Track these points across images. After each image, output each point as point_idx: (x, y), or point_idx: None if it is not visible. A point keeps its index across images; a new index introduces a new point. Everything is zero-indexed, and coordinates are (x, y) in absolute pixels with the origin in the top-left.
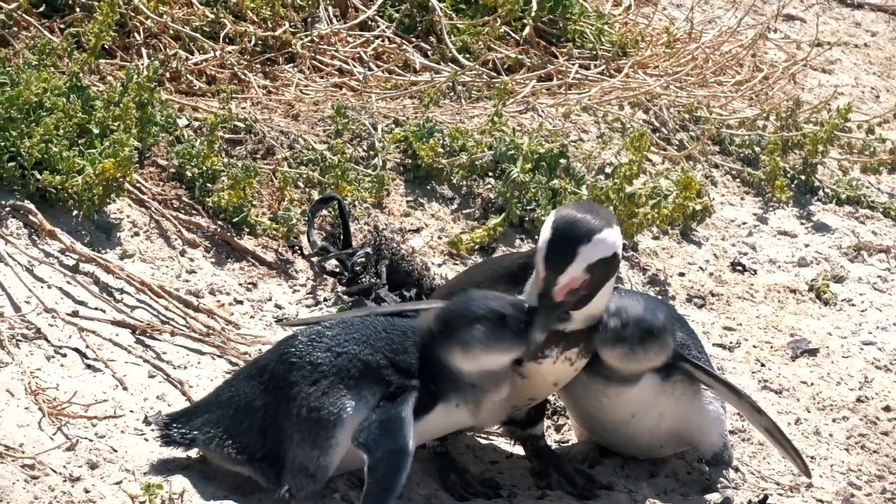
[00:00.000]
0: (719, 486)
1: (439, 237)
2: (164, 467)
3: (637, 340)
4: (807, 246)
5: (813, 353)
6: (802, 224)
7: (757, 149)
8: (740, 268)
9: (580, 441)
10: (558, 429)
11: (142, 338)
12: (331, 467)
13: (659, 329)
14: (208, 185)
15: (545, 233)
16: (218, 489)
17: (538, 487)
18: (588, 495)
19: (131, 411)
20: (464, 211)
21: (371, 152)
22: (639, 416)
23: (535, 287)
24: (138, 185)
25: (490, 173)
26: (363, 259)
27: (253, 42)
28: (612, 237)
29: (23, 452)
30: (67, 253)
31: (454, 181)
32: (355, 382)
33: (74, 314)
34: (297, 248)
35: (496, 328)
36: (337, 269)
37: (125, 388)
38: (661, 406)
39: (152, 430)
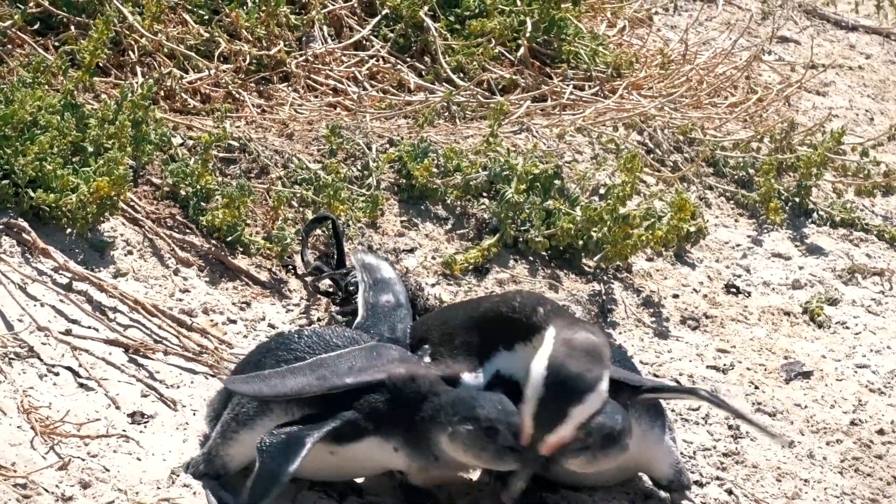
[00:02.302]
0: None
1: (433, 257)
2: (156, 486)
3: (599, 448)
4: (801, 268)
5: (807, 375)
6: (796, 246)
7: (751, 171)
8: (734, 290)
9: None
10: None
11: (135, 356)
12: (228, 461)
13: (619, 432)
14: (202, 203)
15: (534, 386)
16: None
17: None
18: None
19: (123, 431)
20: (458, 231)
21: (365, 172)
22: None
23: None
24: (132, 203)
25: (484, 194)
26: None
27: (247, 61)
28: (604, 386)
29: (15, 471)
30: (61, 271)
31: (448, 201)
32: None
33: (67, 333)
34: (290, 267)
35: (483, 438)
36: (331, 289)
37: (118, 407)
38: None
39: None
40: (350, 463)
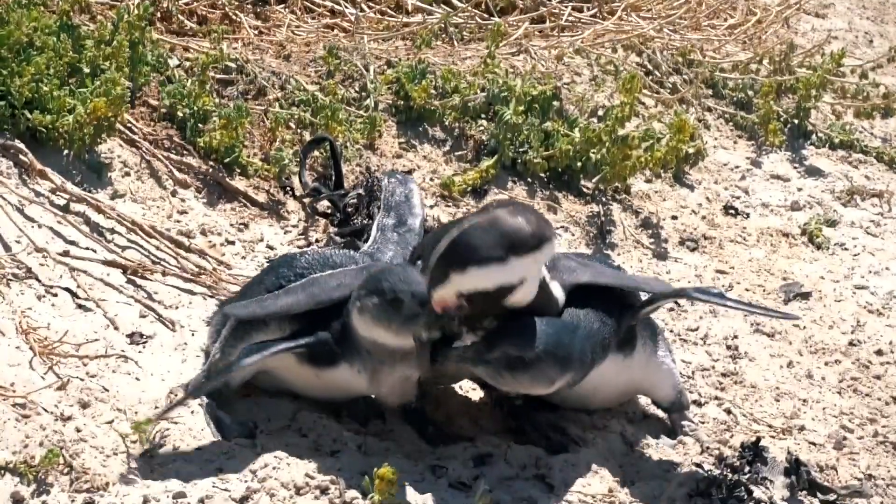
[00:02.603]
0: (685, 429)
1: (431, 179)
2: (155, 406)
3: (504, 367)
4: (800, 190)
5: (805, 296)
6: (795, 168)
7: (750, 92)
8: (733, 211)
9: None
10: None
11: (133, 278)
12: (227, 379)
13: (527, 362)
14: (199, 125)
15: (438, 248)
16: (202, 425)
17: (518, 443)
18: (559, 449)
19: (122, 351)
20: (456, 153)
21: (363, 93)
22: (599, 390)
23: None
24: (129, 125)
25: (482, 115)
26: (355, 200)
27: None
28: (500, 272)
29: (14, 391)
30: (58, 192)
31: (446, 123)
32: None
33: (65, 254)
34: (288, 188)
35: (388, 308)
36: (329, 211)
37: (116, 328)
38: (621, 378)
39: None
40: (335, 387)
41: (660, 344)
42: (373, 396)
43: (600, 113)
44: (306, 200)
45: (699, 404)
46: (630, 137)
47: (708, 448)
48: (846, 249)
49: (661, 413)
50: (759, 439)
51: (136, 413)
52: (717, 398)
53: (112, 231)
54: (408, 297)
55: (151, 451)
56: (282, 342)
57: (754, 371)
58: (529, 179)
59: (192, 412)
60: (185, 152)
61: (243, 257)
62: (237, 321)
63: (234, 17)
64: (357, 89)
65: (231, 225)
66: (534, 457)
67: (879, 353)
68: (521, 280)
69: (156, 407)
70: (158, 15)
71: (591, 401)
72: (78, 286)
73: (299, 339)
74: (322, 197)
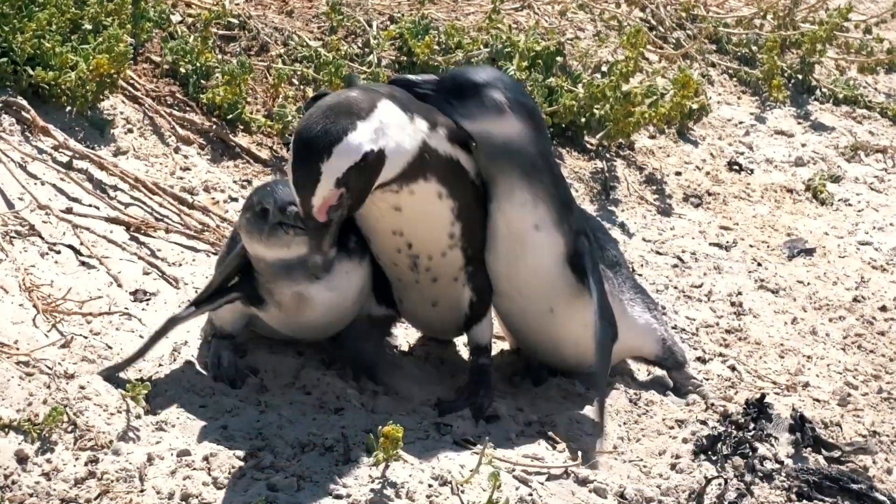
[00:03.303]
0: (689, 386)
1: None
2: (158, 363)
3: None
4: (804, 146)
5: (809, 252)
6: (800, 124)
7: (754, 48)
8: (737, 167)
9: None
10: None
11: (136, 235)
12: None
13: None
14: (202, 81)
15: (289, 154)
16: (206, 383)
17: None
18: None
19: (126, 308)
20: None
21: (366, 49)
22: (557, 314)
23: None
24: (132, 81)
25: None
26: None
27: None
28: (356, 139)
29: (17, 349)
30: (61, 149)
31: None
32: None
33: (68, 211)
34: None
35: (256, 220)
36: None
37: (120, 285)
38: (582, 312)
39: None
40: (281, 326)
41: (636, 300)
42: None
43: (604, 69)
44: None
45: (703, 361)
46: (634, 93)
47: (713, 405)
48: (850, 205)
49: (664, 374)
50: (763, 396)
51: (139, 370)
52: (721, 355)
53: (115, 188)
54: (272, 205)
55: (155, 409)
56: (225, 293)
57: (758, 327)
58: None
59: (196, 372)
60: (187, 109)
61: None
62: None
63: None
64: (360, 45)
65: (234, 181)
66: (540, 414)
67: (884, 308)
68: (378, 146)
69: (160, 365)
70: None
71: (563, 345)
72: (81, 243)
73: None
74: None
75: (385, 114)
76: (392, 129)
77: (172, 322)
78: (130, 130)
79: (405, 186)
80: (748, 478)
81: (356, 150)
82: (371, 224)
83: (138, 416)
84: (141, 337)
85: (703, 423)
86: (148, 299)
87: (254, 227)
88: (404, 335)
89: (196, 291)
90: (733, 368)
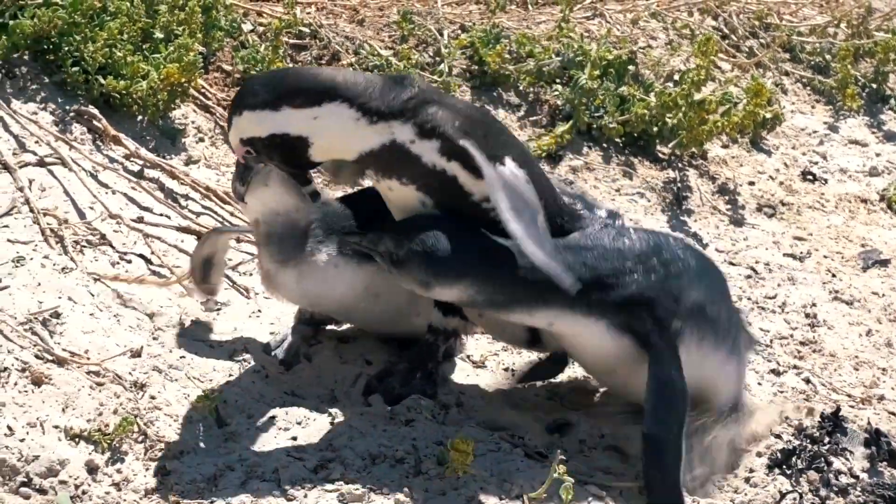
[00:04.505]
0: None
1: None
2: (228, 374)
3: (387, 259)
4: (878, 155)
5: (884, 263)
6: (873, 133)
7: (828, 56)
8: (811, 177)
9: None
10: None
11: None
12: None
13: (401, 257)
14: None
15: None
16: (275, 396)
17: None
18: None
19: (196, 318)
20: (531, 118)
21: (437, 58)
22: (620, 374)
23: None
24: (203, 90)
25: (557, 80)
26: None
27: None
28: (271, 120)
29: (88, 359)
30: (132, 158)
31: (521, 88)
32: None
33: (139, 220)
34: None
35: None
36: None
37: (190, 295)
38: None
39: None
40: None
41: (720, 348)
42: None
43: (676, 77)
44: None
45: (777, 373)
46: (706, 102)
47: (787, 418)
48: None
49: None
50: (838, 409)
51: (210, 381)
52: (795, 367)
53: (186, 197)
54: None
55: (225, 420)
56: None
57: (833, 339)
58: (605, 144)
59: (266, 377)
60: None
61: None
62: None
63: None
64: (431, 54)
65: None
66: (611, 427)
67: None
68: (302, 134)
69: (230, 375)
70: None
71: (592, 370)
72: (152, 252)
73: None
74: None
75: (328, 112)
76: (330, 128)
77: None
78: (202, 139)
79: (382, 180)
80: (823, 492)
81: (264, 127)
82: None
83: (208, 427)
84: (211, 347)
85: (778, 436)
86: (218, 309)
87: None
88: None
89: (266, 301)
90: (808, 381)
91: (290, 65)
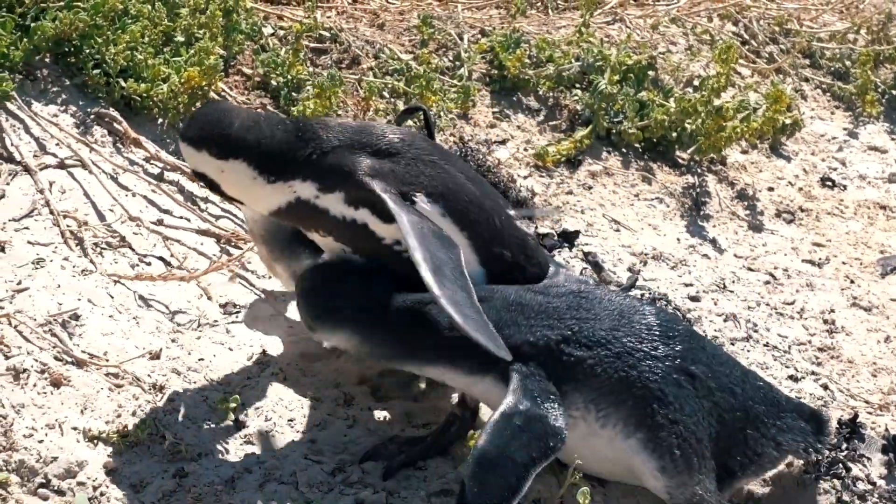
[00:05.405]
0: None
1: (525, 149)
2: (247, 376)
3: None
4: None
5: None
6: (893, 139)
7: (848, 62)
8: (830, 183)
9: None
10: None
11: (226, 247)
12: None
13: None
14: (293, 94)
15: None
16: (294, 397)
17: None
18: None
19: (215, 321)
20: (550, 123)
21: (457, 63)
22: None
23: None
24: (223, 93)
25: (577, 85)
26: None
27: None
28: (191, 155)
29: (107, 361)
30: (152, 161)
31: (540, 92)
32: None
33: (159, 223)
34: None
35: None
36: None
37: (209, 298)
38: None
39: None
40: None
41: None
42: None
43: (696, 83)
44: None
45: (795, 379)
46: (726, 108)
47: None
48: None
49: None
50: (856, 415)
51: (229, 383)
52: (813, 373)
53: (206, 200)
54: None
55: (244, 422)
56: None
57: (851, 346)
58: (624, 149)
59: (285, 378)
60: None
61: None
62: None
63: None
64: (451, 58)
65: None
66: None
67: None
68: (215, 180)
69: (248, 378)
70: None
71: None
72: (171, 255)
73: None
74: None
75: (231, 168)
76: (235, 183)
77: None
78: None
79: (308, 230)
80: (844, 498)
81: (189, 159)
82: None
83: (227, 430)
84: (230, 350)
85: None
86: (237, 312)
87: None
88: None
89: (285, 303)
90: (825, 387)
91: (311, 69)
